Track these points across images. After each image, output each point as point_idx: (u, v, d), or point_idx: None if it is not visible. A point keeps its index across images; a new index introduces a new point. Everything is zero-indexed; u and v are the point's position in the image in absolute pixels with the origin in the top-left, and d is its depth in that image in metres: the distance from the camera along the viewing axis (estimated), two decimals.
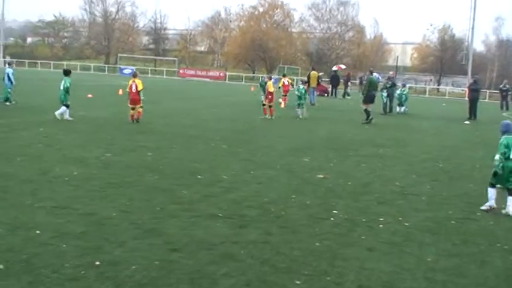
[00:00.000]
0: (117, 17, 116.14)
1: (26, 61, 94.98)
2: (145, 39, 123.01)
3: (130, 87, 19.77)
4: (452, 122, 28.74)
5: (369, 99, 24.90)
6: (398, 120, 27.44)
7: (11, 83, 24.62)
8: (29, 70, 79.52)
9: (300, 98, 25.45)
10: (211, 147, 15.23)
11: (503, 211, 9.46)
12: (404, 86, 35.40)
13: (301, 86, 26.09)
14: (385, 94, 31.49)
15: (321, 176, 11.79)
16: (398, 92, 32.99)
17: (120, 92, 35.27)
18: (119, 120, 20.18)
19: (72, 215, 7.90)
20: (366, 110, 24.60)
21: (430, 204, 10.00)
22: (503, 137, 9.67)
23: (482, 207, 9.65)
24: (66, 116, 19.20)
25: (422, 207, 9.74)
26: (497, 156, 9.55)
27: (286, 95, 32.66)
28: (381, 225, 8.37)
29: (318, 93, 50.55)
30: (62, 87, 19.41)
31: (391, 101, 31.44)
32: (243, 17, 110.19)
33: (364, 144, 17.54)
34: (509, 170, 9.43)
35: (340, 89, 53.17)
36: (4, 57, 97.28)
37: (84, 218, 7.78)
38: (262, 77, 27.00)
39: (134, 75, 20.40)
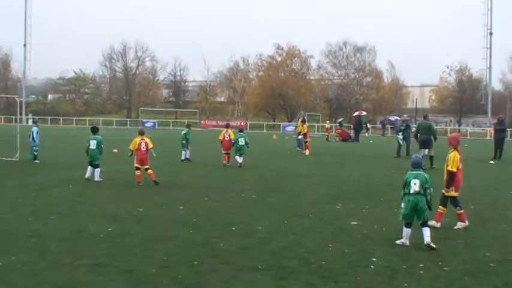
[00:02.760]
0: (137, 71, 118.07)
1: (48, 118, 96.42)
2: (165, 92, 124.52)
3: (140, 146, 18.03)
4: (477, 163, 28.43)
5: (421, 144, 25.17)
6: (425, 164, 27.19)
7: (34, 141, 24.81)
8: (52, 127, 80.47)
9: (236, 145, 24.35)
10: (241, 197, 15.23)
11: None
12: None
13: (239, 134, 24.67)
14: (400, 137, 31.38)
15: (355, 223, 11.73)
16: None
17: None
18: (146, 174, 20.24)
19: (112, 272, 7.91)
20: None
21: (467, 247, 9.90)
22: (409, 171, 10.21)
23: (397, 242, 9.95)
24: (97, 177, 18.46)
25: (460, 250, 9.65)
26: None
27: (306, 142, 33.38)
28: (421, 271, 8.29)
29: (341, 138, 50.89)
30: (94, 146, 18.62)
31: (407, 144, 30.96)
32: (261, 67, 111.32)
33: (393, 189, 17.40)
34: (411, 204, 9.80)
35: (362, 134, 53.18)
36: (26, 114, 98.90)
37: (125, 275, 7.79)
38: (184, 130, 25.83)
39: (141, 133, 18.64)
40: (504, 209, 13.99)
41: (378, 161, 27.42)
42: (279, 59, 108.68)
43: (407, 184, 9.97)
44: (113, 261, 8.45)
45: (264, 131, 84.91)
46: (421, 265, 8.58)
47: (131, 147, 18.21)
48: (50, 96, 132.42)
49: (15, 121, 32.61)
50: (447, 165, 11.39)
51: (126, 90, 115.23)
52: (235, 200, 14.83)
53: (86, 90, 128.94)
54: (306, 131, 34.50)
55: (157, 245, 9.55)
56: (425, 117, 27.84)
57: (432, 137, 25.20)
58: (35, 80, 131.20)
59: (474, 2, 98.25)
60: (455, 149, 11.53)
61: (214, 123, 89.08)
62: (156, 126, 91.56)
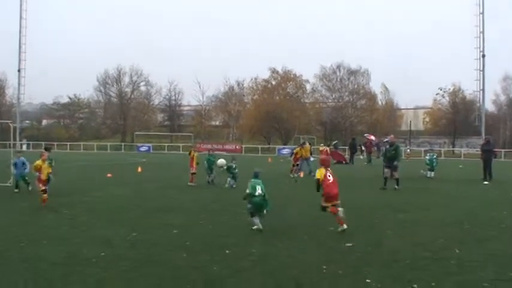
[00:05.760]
0: (132, 96, 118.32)
1: (43, 143, 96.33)
2: (160, 116, 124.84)
3: (42, 168, 18.84)
4: (471, 184, 28.49)
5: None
6: (416, 185, 27.17)
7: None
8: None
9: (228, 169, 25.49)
10: (236, 220, 15.16)
11: None
12: (432, 150, 36.10)
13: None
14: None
15: (350, 245, 11.68)
16: (427, 157, 33.53)
17: (139, 169, 35.60)
18: (141, 198, 20.22)
19: None
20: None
21: (461, 267, 9.82)
22: (252, 180, 14.06)
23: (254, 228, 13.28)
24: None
25: (454, 270, 9.58)
26: (247, 191, 13.79)
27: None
28: None
29: (335, 161, 50.93)
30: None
31: None
32: (256, 91, 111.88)
33: (386, 210, 17.39)
34: (256, 203, 13.50)
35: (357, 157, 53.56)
36: (21, 140, 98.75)
37: None
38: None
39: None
40: (497, 230, 13.94)
41: (375, 183, 27.35)
42: (274, 82, 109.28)
43: (254, 188, 13.60)
44: (104, 286, 8.40)
45: (259, 154, 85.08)
46: (415, 286, 8.54)
47: (34, 169, 19.14)
48: (44, 122, 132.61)
49: (9, 146, 32.47)
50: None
51: (121, 115, 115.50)
52: (229, 223, 14.75)
53: (81, 115, 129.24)
54: (305, 154, 34.79)
55: (149, 269, 9.48)
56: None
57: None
58: (29, 106, 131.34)
59: (466, 24, 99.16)
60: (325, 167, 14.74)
61: (209, 146, 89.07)
62: (151, 150, 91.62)
